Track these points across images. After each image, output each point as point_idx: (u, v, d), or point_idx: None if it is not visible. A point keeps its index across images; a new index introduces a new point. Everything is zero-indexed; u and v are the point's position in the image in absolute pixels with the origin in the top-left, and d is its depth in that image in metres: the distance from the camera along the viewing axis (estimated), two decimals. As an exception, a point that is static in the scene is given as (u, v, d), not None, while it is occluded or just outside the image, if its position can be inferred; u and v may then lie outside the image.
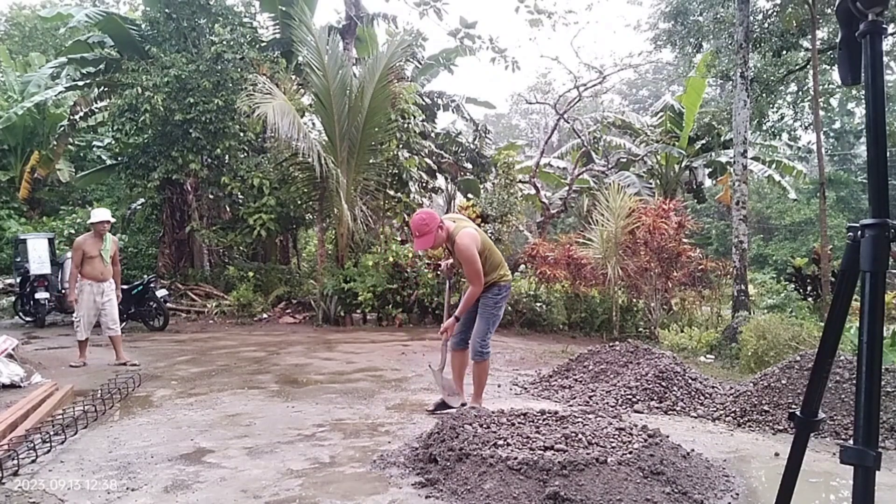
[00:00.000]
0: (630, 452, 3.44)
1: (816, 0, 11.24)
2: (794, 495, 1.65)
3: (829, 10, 11.73)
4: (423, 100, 14.75)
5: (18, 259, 12.42)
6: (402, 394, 5.86)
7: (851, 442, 1.33)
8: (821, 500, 3.58)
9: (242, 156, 13.49)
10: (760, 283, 18.58)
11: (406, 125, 12.81)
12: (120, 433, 4.43)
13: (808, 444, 1.66)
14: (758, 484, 3.60)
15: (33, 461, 3.75)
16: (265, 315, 12.25)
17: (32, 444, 3.93)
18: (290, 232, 15.37)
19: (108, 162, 16.79)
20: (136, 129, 12.26)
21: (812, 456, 3.95)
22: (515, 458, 3.29)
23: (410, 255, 11.40)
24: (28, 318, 11.46)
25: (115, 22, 13.13)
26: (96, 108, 14.96)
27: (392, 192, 13.22)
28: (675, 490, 3.21)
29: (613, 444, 3.61)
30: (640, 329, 10.67)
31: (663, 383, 5.53)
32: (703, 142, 17.33)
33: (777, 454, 4.05)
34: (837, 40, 1.62)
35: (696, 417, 5.13)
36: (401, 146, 12.90)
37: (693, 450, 3.82)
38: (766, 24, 13.01)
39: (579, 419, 4.10)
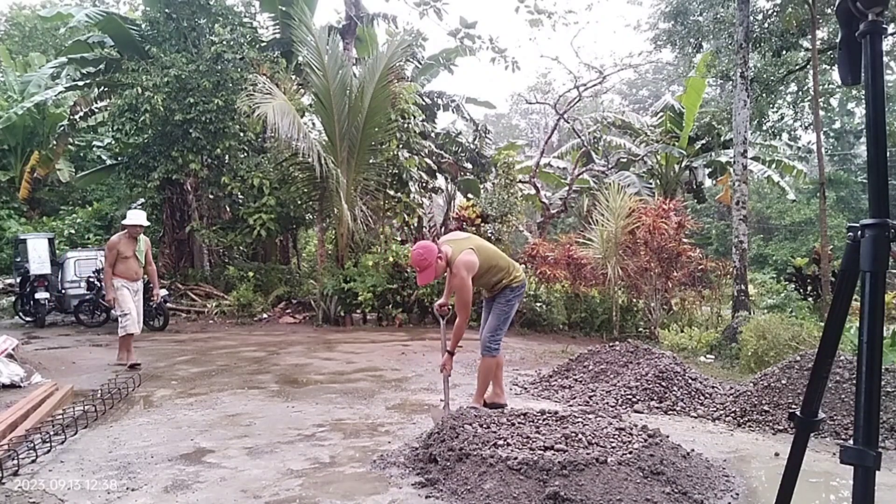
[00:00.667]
0: (630, 452, 3.44)
1: (816, 0, 11.24)
2: (794, 495, 1.65)
3: (829, 10, 11.73)
4: (423, 100, 14.75)
5: (18, 259, 12.43)
6: (402, 394, 5.86)
7: (851, 442, 1.33)
8: (821, 500, 3.58)
9: (242, 156, 13.50)
10: (760, 283, 18.59)
11: (406, 125, 12.82)
12: (120, 433, 4.43)
13: (808, 444, 1.66)
14: (758, 484, 3.60)
15: (33, 461, 3.75)
16: (265, 315, 12.25)
17: (32, 444, 3.93)
18: (290, 232, 15.38)
19: (108, 162, 16.81)
20: (136, 129, 12.27)
21: (812, 456, 3.94)
22: (515, 458, 3.29)
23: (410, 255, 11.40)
24: (28, 318, 11.46)
25: (115, 22, 13.14)
26: (96, 108, 14.98)
27: (392, 192, 13.22)
28: (675, 490, 3.21)
29: (613, 444, 3.61)
30: (640, 329, 10.67)
31: (663, 383, 5.53)
32: (703, 142, 17.33)
33: (777, 454, 4.05)
34: (837, 40, 1.62)
35: (696, 417, 5.12)
36: (401, 146, 12.90)
37: (693, 450, 3.82)
38: (766, 24, 13.01)
39: (579, 419, 4.10)
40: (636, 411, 5.18)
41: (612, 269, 10.14)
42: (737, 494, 3.37)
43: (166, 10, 12.75)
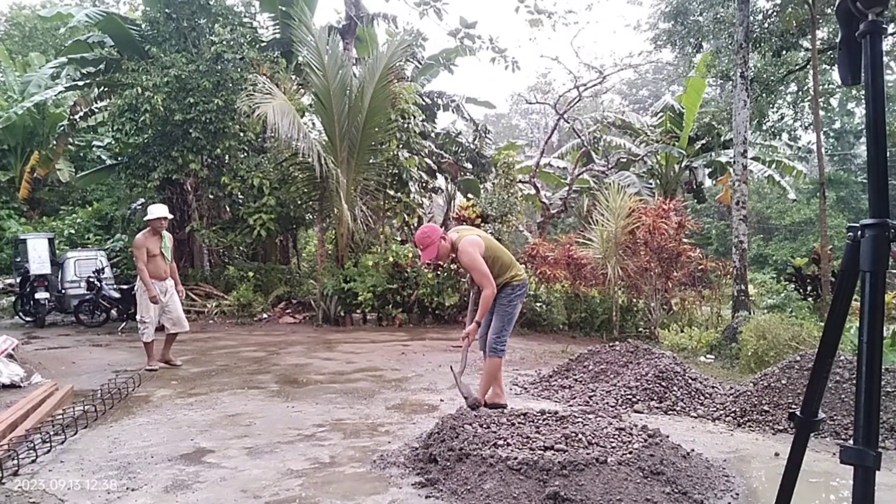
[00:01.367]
0: (630, 452, 3.44)
1: (816, 0, 11.24)
2: (794, 495, 1.65)
3: (829, 10, 11.72)
4: (423, 100, 14.75)
5: (18, 259, 12.43)
6: (402, 394, 5.86)
7: (851, 442, 1.33)
8: (821, 500, 3.58)
9: (242, 156, 13.49)
10: (760, 283, 18.57)
11: (406, 125, 12.81)
12: (120, 433, 4.43)
13: (808, 444, 1.66)
14: (758, 484, 3.60)
15: (33, 461, 3.75)
16: (265, 315, 12.25)
17: (32, 444, 3.93)
18: (290, 232, 15.37)
19: (108, 162, 16.78)
20: (136, 129, 12.26)
21: (812, 456, 3.94)
22: (515, 458, 3.29)
23: (410, 255, 11.40)
24: (28, 318, 11.46)
25: (115, 22, 13.13)
26: (96, 108, 14.96)
27: (392, 192, 13.22)
28: (675, 490, 3.21)
29: (613, 444, 3.61)
30: (640, 329, 10.66)
31: (663, 383, 5.53)
32: (703, 142, 17.32)
33: (777, 454, 4.05)
34: (837, 40, 1.62)
35: (696, 417, 5.12)
36: (401, 146, 12.90)
37: (693, 450, 3.82)
38: (766, 24, 13.01)
39: (579, 419, 4.10)
40: (636, 411, 5.18)
41: (612, 269, 10.14)
42: (737, 494, 3.37)
43: (166, 10, 12.74)
